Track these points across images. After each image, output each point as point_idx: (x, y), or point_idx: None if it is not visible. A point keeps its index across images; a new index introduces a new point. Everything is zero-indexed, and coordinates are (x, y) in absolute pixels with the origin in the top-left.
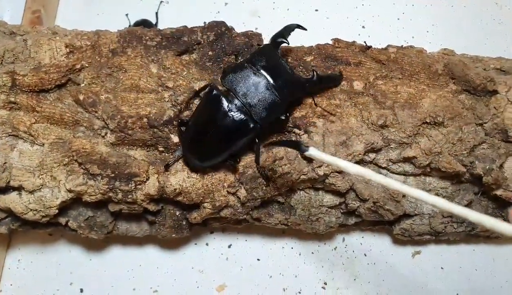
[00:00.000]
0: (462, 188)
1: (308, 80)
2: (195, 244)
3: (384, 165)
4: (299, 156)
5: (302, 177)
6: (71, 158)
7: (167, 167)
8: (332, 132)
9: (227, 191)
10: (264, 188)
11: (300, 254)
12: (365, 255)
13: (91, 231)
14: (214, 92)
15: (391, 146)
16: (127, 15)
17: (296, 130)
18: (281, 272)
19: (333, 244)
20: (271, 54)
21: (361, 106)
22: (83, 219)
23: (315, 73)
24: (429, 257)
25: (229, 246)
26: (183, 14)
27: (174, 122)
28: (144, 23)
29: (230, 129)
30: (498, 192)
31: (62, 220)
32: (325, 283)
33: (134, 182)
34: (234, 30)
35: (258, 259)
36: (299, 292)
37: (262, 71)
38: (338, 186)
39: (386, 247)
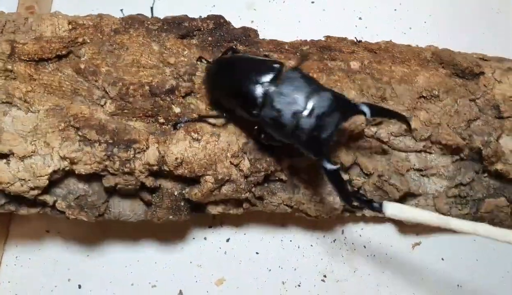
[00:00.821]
0: (463, 166)
1: None
2: (193, 238)
3: (385, 139)
4: None
5: None
6: (67, 123)
7: (175, 126)
8: None
9: (230, 161)
10: (268, 158)
11: (299, 247)
12: (365, 247)
13: (81, 211)
14: None
15: (392, 120)
16: (121, 10)
17: None
18: (280, 265)
19: (332, 236)
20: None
21: (359, 82)
22: (73, 198)
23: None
24: (429, 248)
25: (228, 240)
26: (178, 8)
27: (176, 92)
28: None
29: None
30: (498, 166)
31: (50, 199)
32: (325, 276)
33: (133, 149)
34: (232, 24)
35: (257, 253)
36: (299, 285)
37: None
38: (342, 160)
39: (385, 239)
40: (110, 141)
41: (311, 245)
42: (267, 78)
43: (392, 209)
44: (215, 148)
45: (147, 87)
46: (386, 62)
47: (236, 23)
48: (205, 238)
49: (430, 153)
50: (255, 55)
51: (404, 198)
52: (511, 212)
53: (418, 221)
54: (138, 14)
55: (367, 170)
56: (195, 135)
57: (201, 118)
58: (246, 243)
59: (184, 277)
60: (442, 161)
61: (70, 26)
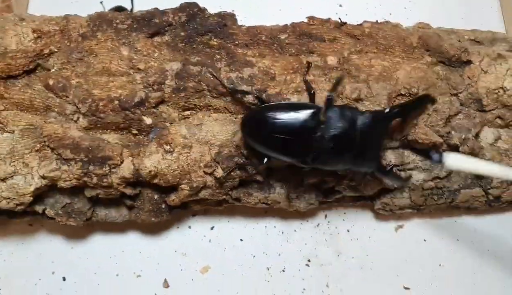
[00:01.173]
0: None
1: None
2: (177, 227)
3: None
4: None
5: None
6: (43, 143)
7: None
8: None
9: (203, 171)
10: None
11: (283, 233)
12: (348, 231)
13: (69, 218)
14: None
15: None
16: (101, 2)
17: None
18: (264, 251)
19: (315, 221)
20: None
21: (335, 81)
22: (60, 206)
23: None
24: (412, 231)
25: (212, 228)
26: None
27: (146, 104)
28: (119, 10)
29: None
30: None
31: (39, 208)
32: (309, 260)
33: (108, 165)
34: (207, 10)
35: (241, 239)
36: (283, 270)
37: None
38: None
39: (368, 222)
40: (85, 159)
41: (295, 230)
42: (312, 126)
43: (453, 159)
44: (187, 159)
45: (116, 102)
46: (368, 51)
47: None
48: (189, 227)
49: (407, 149)
50: (286, 103)
51: (379, 193)
52: (486, 201)
53: (479, 172)
54: (118, 7)
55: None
56: (168, 147)
57: (241, 166)
58: (230, 230)
59: (169, 266)
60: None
61: (35, 35)
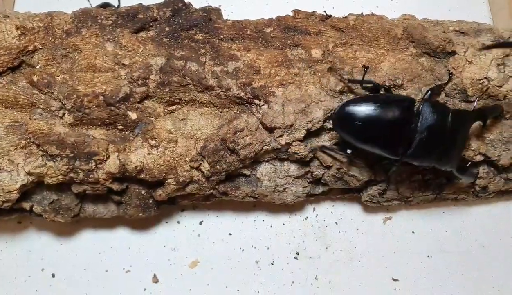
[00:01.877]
0: None
1: None
2: (166, 222)
3: None
4: (260, 127)
5: (265, 147)
6: (28, 140)
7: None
8: (291, 100)
9: (189, 165)
10: (227, 160)
11: (271, 226)
12: (336, 224)
13: (57, 214)
14: None
15: None
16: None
17: (256, 101)
18: (253, 245)
19: (303, 214)
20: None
21: (319, 74)
22: (47, 203)
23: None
24: (400, 222)
25: (200, 223)
26: None
27: (131, 99)
28: (105, 6)
29: None
30: None
31: (26, 205)
32: (297, 253)
33: (94, 160)
34: (192, 5)
35: (230, 234)
36: (272, 264)
37: None
38: (301, 155)
39: (356, 215)
40: (71, 155)
41: (283, 224)
42: (407, 118)
43: None
44: (173, 153)
45: (101, 98)
46: (353, 43)
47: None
48: (178, 222)
49: None
50: (382, 95)
51: (366, 185)
52: (473, 192)
53: None
54: (105, 3)
55: (326, 164)
56: (153, 142)
57: (323, 149)
58: (219, 224)
59: (158, 261)
60: None
61: (19, 32)
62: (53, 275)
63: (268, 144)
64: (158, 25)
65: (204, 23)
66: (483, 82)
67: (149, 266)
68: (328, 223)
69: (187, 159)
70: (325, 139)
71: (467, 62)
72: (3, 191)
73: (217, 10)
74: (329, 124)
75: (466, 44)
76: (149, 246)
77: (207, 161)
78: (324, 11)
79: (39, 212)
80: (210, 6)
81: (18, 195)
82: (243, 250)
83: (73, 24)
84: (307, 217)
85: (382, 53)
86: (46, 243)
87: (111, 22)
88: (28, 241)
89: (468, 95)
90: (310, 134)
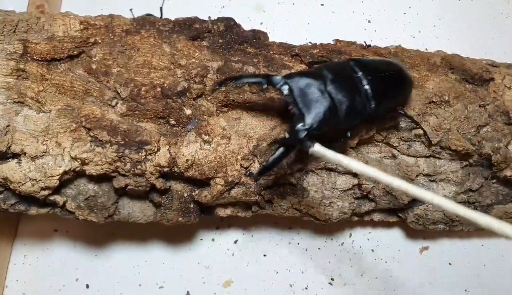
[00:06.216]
0: (472, 172)
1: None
2: (201, 239)
3: (395, 144)
4: None
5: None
6: (79, 123)
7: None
8: None
9: (240, 164)
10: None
11: (306, 250)
12: (372, 251)
13: (91, 212)
14: None
15: (402, 125)
16: (131, 10)
17: None
18: (287, 268)
19: (340, 239)
20: None
21: None
22: (83, 199)
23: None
24: (437, 253)
25: (235, 242)
26: (187, 9)
27: (187, 94)
28: None
29: None
30: (508, 173)
31: (60, 200)
32: (332, 279)
33: (145, 150)
34: (242, 27)
35: (265, 255)
36: (306, 288)
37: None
38: None
39: (393, 243)
40: (122, 142)
41: (319, 248)
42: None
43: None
44: (225, 150)
45: (159, 89)
46: None
47: (245, 25)
48: (212, 240)
49: (440, 158)
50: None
51: (411, 205)
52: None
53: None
54: (147, 14)
55: None
56: (206, 138)
57: None
58: (253, 245)
59: (192, 278)
60: (451, 166)
61: (82, 26)
62: (87, 286)
63: None
64: (212, 37)
65: (254, 40)
66: None
67: (183, 283)
68: (364, 249)
69: (238, 156)
70: None
71: (506, 87)
72: (45, 175)
73: (264, 34)
74: (379, 136)
75: (502, 72)
76: (183, 263)
77: (258, 161)
78: (364, 42)
79: (73, 208)
80: (258, 29)
81: (58, 182)
82: (277, 272)
83: (132, 26)
84: (343, 243)
85: (426, 74)
86: (81, 253)
87: (168, 28)
88: (63, 250)
89: (510, 117)
90: (360, 142)
